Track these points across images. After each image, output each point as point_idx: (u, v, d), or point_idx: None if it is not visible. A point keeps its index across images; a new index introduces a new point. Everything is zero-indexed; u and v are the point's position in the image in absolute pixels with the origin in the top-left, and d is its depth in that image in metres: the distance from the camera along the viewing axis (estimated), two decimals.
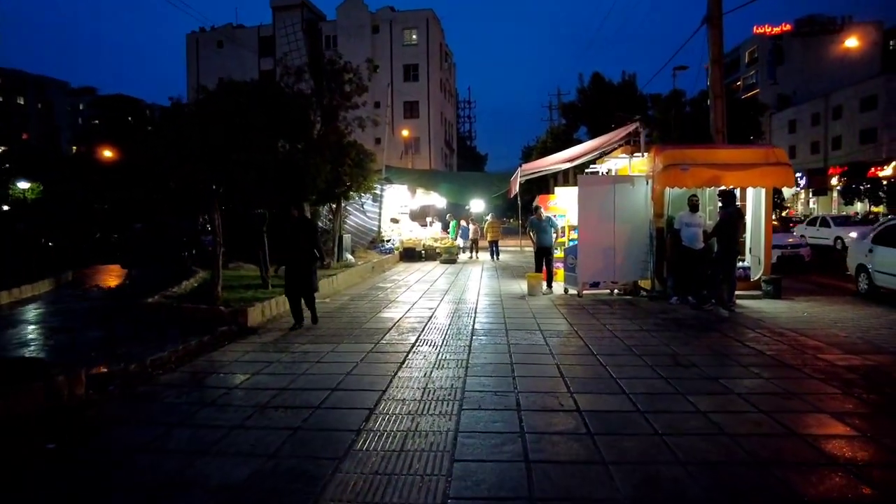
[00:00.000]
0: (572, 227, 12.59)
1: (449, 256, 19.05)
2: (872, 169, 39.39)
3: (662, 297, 9.88)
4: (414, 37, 50.30)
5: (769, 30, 66.44)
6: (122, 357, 5.58)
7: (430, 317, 8.21)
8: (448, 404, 4.28)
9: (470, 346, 6.22)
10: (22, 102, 78.11)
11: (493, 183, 19.12)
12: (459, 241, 21.68)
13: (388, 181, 19.48)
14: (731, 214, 8.65)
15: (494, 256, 19.37)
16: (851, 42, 35.67)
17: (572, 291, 10.62)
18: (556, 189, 12.84)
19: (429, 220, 24.02)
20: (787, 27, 65.37)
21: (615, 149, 11.16)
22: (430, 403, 4.32)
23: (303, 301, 7.47)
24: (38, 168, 29.62)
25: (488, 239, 20.27)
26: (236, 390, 4.81)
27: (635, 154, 10.42)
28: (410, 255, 19.38)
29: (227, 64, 48.77)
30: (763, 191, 9.85)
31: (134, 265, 14.57)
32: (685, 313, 8.48)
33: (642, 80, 42.40)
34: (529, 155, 49.70)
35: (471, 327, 7.38)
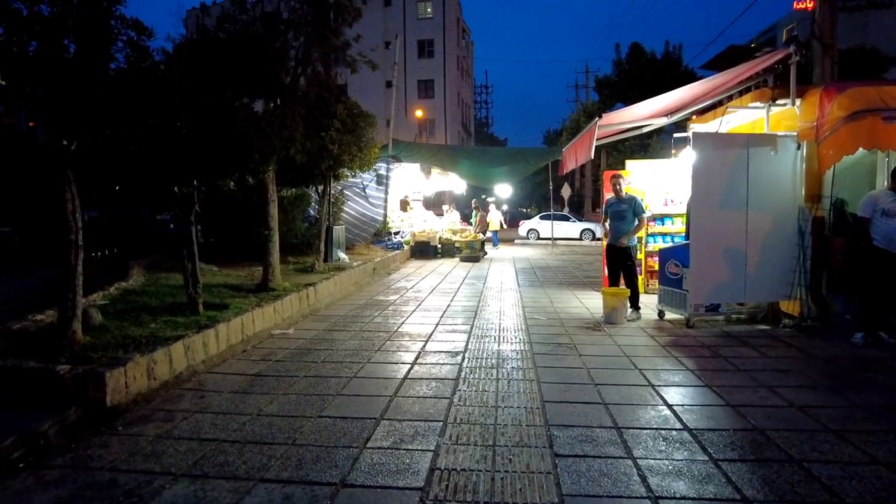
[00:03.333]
0: (652, 218, 8.85)
1: (471, 253, 15.37)
2: None
3: (823, 327, 6.20)
4: (429, 10, 46.29)
5: (810, 5, 61.20)
6: None
7: (457, 380, 4.53)
8: None
9: None
10: None
11: (526, 160, 15.34)
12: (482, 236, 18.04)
13: (396, 159, 15.79)
14: None
15: (495, 245, 20.17)
16: None
17: (674, 316, 6.89)
18: (629, 164, 9.06)
19: (445, 207, 20.34)
20: None
21: (741, 93, 7.35)
22: None
23: None
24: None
25: (490, 229, 20.10)
26: None
27: (778, 100, 6.59)
28: (423, 250, 15.73)
29: None
30: None
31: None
32: None
33: (688, 55, 37.77)
34: (555, 140, 45.62)
35: (541, 420, 3.68)
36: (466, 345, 5.64)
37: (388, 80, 48.14)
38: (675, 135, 8.89)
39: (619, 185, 7.16)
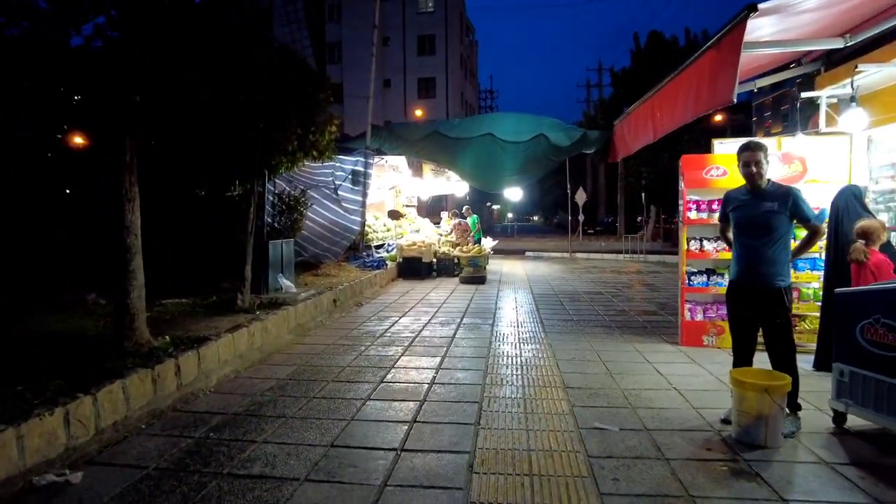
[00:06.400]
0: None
1: (474, 272, 11.97)
2: None
3: None
4: (430, 4, 43.18)
5: None
6: None
7: None
8: None
9: None
10: None
11: (549, 154, 11.90)
12: (489, 244, 14.67)
13: (380, 153, 12.43)
14: None
15: None
16: None
17: (865, 423, 3.46)
18: (719, 145, 5.67)
19: (444, 214, 16.98)
20: None
21: None
22: None
23: None
24: None
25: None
26: None
27: None
28: (413, 269, 12.33)
29: None
30: None
31: None
32: None
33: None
34: None
35: None
36: None
37: (387, 78, 45.18)
38: (804, 94, 5.51)
39: (762, 162, 3.73)
